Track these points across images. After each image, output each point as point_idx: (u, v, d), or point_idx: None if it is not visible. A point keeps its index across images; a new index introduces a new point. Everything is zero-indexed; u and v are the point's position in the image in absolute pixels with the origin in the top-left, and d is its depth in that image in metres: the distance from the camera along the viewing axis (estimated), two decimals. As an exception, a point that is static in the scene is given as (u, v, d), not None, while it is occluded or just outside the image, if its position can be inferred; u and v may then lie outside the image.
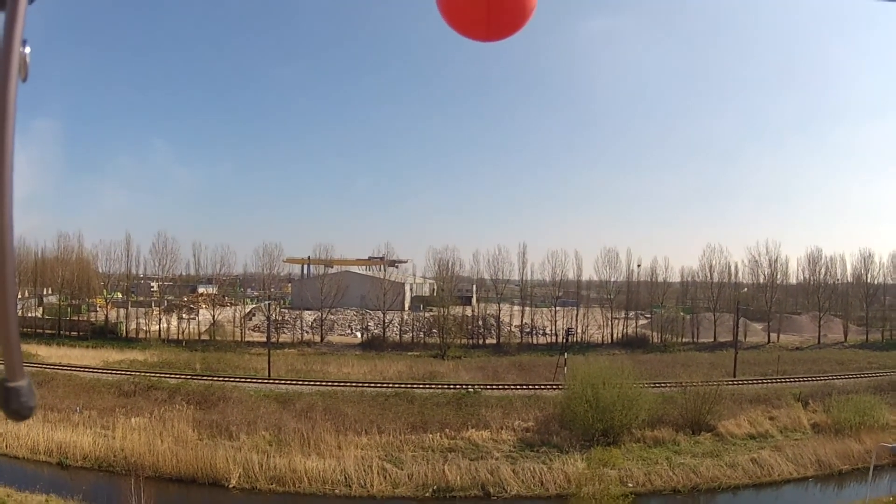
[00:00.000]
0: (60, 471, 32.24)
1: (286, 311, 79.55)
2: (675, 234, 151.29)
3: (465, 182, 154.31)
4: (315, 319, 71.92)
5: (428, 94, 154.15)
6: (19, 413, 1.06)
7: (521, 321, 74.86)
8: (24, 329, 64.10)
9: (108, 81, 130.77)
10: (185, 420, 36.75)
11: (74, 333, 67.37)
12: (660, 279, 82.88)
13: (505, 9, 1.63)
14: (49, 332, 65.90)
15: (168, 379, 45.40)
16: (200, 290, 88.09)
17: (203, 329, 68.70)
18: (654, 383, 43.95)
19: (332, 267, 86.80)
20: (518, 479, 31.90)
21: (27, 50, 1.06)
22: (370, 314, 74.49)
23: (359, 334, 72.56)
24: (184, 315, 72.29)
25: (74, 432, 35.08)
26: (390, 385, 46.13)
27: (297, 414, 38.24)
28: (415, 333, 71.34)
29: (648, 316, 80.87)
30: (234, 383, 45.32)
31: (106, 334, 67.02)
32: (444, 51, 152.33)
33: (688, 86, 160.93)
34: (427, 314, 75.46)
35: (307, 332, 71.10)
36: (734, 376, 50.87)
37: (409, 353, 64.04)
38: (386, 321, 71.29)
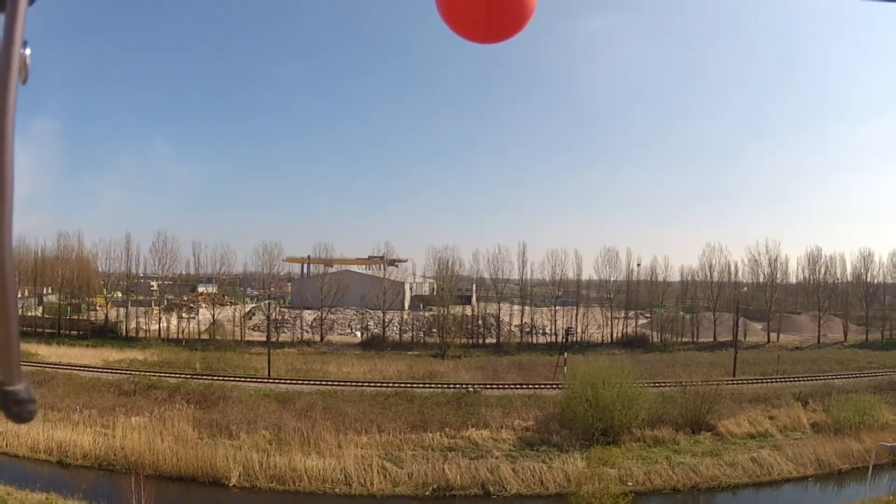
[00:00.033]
0: (60, 469, 32.25)
1: (286, 310, 79.42)
2: (674, 233, 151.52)
3: (465, 182, 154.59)
4: (315, 319, 71.89)
5: (428, 94, 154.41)
6: (20, 416, 1.05)
7: (521, 320, 74.81)
8: (24, 328, 64.02)
9: (108, 81, 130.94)
10: (185, 419, 36.78)
11: (74, 333, 67.38)
12: (660, 279, 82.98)
13: (505, 10, 1.62)
14: (49, 331, 65.91)
15: (168, 378, 45.39)
16: (200, 289, 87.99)
17: (203, 328, 68.64)
18: (654, 383, 43.98)
19: (331, 266, 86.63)
20: (518, 477, 31.95)
21: (27, 51, 1.05)
22: (370, 313, 74.53)
23: (359, 334, 72.54)
24: (184, 314, 72.25)
25: (74, 431, 35.11)
26: (390, 384, 46.14)
27: (297, 413, 38.27)
28: (415, 333, 71.28)
29: (648, 315, 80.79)
30: (234, 382, 45.32)
31: (106, 333, 67.01)
32: (444, 51, 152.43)
33: (688, 86, 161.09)
34: (427, 313, 75.37)
35: (307, 332, 71.05)
36: (734, 376, 50.88)
37: (409, 353, 64.05)
38: (386, 320, 71.27)
